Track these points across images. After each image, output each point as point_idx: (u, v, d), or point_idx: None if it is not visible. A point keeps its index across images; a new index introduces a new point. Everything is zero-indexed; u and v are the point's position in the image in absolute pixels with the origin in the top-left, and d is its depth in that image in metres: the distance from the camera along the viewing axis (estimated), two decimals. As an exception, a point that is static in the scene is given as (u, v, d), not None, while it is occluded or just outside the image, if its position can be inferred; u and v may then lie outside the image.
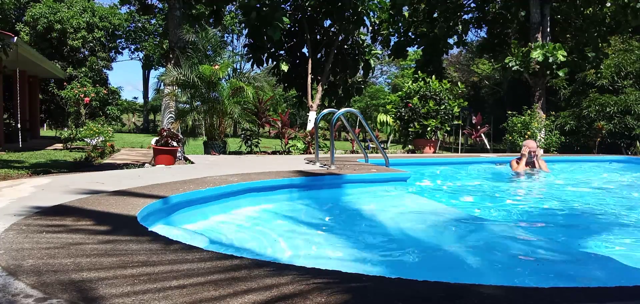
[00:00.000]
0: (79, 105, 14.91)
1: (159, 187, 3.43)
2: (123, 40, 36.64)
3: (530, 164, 7.06)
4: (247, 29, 17.06)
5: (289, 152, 10.02)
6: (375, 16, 18.63)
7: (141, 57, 40.28)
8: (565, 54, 14.01)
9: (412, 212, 4.26)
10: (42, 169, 6.10)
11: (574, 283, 2.44)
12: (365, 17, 17.34)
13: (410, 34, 20.27)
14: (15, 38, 10.58)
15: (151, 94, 40.43)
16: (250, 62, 17.88)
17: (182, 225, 3.08)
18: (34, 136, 16.52)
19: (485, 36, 20.81)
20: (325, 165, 5.59)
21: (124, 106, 36.62)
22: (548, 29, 15.28)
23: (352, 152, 11.79)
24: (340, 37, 18.19)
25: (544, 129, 13.57)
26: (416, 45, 21.11)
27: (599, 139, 14.29)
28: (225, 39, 38.09)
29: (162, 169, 5.41)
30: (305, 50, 18.86)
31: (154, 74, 42.05)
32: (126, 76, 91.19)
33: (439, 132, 12.82)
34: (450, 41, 20.46)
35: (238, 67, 38.12)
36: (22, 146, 11.74)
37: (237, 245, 2.91)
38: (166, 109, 9.54)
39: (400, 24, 19.80)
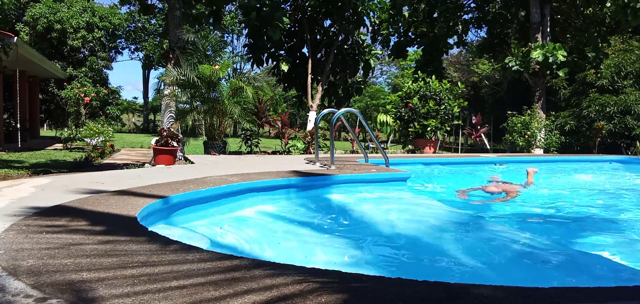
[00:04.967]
0: (79, 105, 14.91)
1: (159, 187, 3.43)
2: (123, 40, 36.60)
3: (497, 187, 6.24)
4: (247, 29, 17.07)
5: (289, 152, 10.02)
6: (375, 16, 18.63)
7: (141, 57, 40.27)
8: (565, 54, 14.01)
9: (412, 212, 4.26)
10: (42, 169, 6.10)
11: (574, 283, 2.44)
12: (365, 17, 17.34)
13: (410, 34, 20.27)
14: (15, 38, 10.58)
15: (151, 94, 40.43)
16: (250, 62, 17.91)
17: (182, 225, 3.08)
18: (34, 136, 16.52)
19: (485, 36, 20.80)
20: (325, 165, 5.59)
21: (124, 106, 36.62)
22: (548, 29, 15.28)
23: (352, 152, 11.79)
24: (340, 37, 18.19)
25: (544, 129, 13.56)
26: (416, 45, 21.12)
27: (599, 139, 14.28)
28: (225, 39, 38.09)
29: (162, 169, 5.41)
30: (305, 50, 18.87)
31: (154, 74, 42.06)
32: (126, 76, 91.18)
33: (439, 132, 12.82)
34: (450, 41, 20.46)
35: (238, 67, 38.19)
36: (22, 146, 11.74)
37: (237, 245, 2.91)
38: (166, 109, 9.53)
39: (400, 24, 19.80)
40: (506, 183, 6.60)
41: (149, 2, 12.58)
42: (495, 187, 6.22)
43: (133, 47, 38.94)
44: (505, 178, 7.17)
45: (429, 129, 12.57)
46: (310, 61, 17.90)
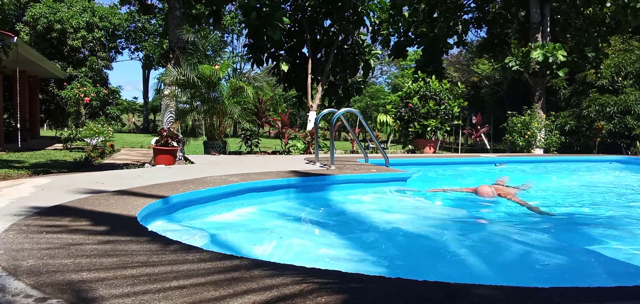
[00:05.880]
0: (79, 105, 14.91)
1: (159, 187, 3.43)
2: (123, 40, 36.60)
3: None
4: (247, 29, 17.06)
5: (289, 152, 10.02)
6: (375, 16, 18.63)
7: (141, 57, 40.27)
8: (565, 54, 14.01)
9: (412, 212, 4.26)
10: (42, 169, 6.10)
11: (574, 283, 2.44)
12: (365, 17, 17.34)
13: (410, 34, 20.28)
14: (15, 38, 10.58)
15: (151, 94, 40.36)
16: (250, 62, 17.89)
17: (182, 225, 3.08)
18: (34, 136, 16.52)
19: (485, 36, 20.81)
20: (325, 165, 5.59)
21: (124, 106, 36.64)
22: (548, 29, 15.28)
23: (352, 152, 11.79)
24: (340, 37, 18.19)
25: (544, 129, 13.57)
26: (416, 45, 21.12)
27: (599, 139, 14.28)
28: (225, 39, 38.07)
29: (162, 169, 5.41)
30: (305, 50, 18.87)
31: (154, 74, 41.98)
32: (126, 75, 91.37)
33: (438, 132, 12.82)
34: (450, 41, 20.47)
35: (238, 67, 38.15)
36: (22, 146, 11.74)
37: (237, 245, 2.91)
38: (166, 109, 9.53)
39: (400, 24, 19.80)
40: (505, 187, 6.52)
41: (149, 2, 12.59)
42: (490, 189, 6.04)
43: (133, 47, 38.94)
44: (511, 180, 7.07)
45: (429, 129, 12.57)
46: (310, 61, 17.89)
